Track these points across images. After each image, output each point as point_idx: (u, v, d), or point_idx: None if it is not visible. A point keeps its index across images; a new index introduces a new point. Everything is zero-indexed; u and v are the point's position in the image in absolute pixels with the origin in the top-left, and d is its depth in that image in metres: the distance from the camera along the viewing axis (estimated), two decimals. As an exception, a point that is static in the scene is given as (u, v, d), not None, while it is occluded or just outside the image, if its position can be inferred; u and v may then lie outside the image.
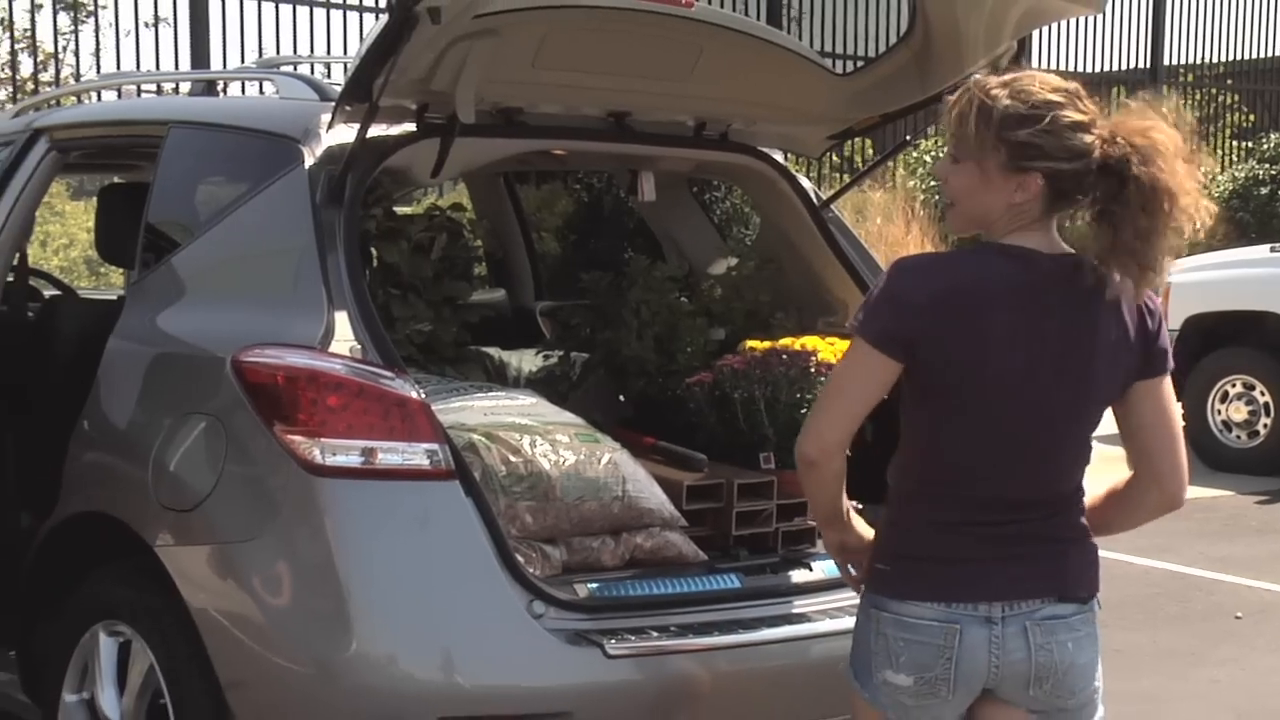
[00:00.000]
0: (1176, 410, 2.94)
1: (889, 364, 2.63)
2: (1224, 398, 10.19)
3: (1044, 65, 16.34)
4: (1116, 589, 7.03)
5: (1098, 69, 17.03)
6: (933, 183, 12.75)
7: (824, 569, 3.55)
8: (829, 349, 3.94)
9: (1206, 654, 6.12)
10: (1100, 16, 16.86)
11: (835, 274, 4.17)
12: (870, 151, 15.23)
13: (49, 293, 5.43)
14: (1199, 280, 10.37)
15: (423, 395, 3.17)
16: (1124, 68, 17.24)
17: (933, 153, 13.09)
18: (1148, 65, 17.34)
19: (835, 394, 2.73)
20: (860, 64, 2.87)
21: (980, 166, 2.67)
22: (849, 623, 3.37)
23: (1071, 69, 16.78)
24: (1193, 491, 10.43)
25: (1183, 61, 17.76)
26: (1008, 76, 2.71)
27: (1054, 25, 16.51)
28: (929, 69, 3.96)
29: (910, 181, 12.79)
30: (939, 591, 2.69)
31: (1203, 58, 17.95)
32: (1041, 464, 2.77)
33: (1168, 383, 2.89)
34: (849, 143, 15.42)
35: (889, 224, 11.71)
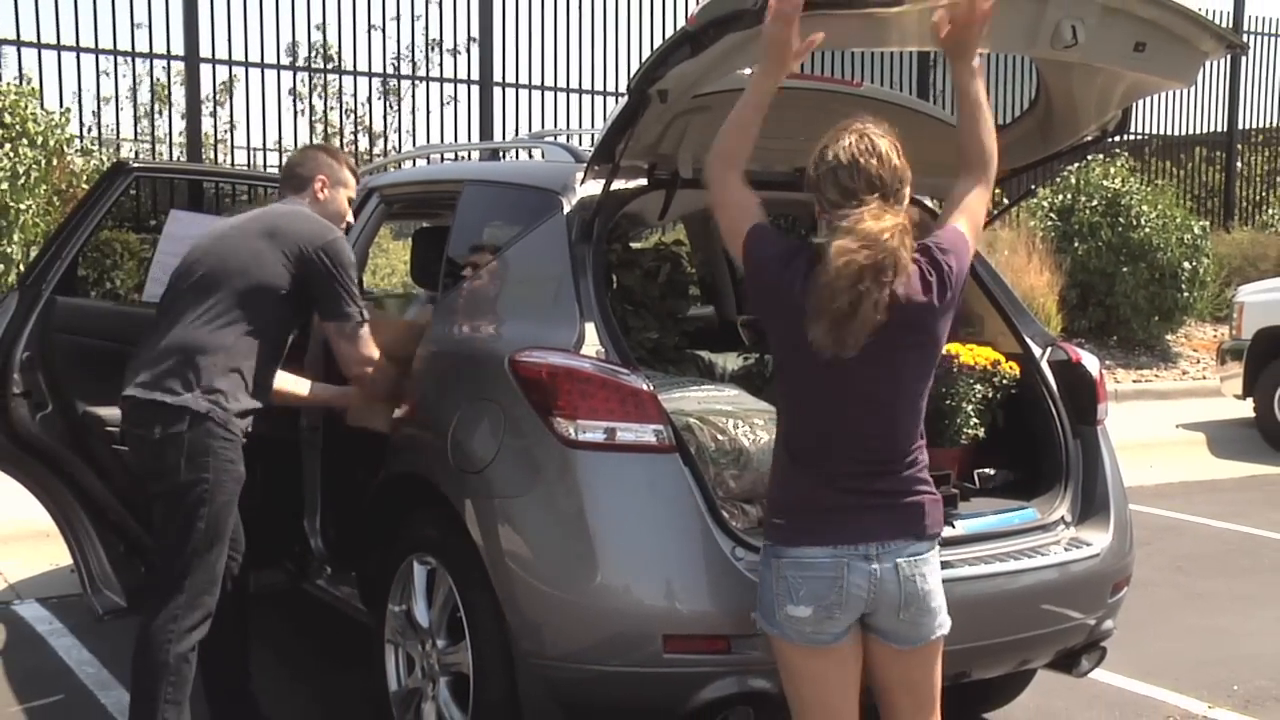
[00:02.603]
0: None
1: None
2: (1288, 394, 9.79)
3: (1141, 129, 15.73)
4: (1198, 546, 6.77)
5: (1181, 131, 16.30)
6: (1049, 222, 12.35)
7: (964, 527, 3.44)
8: (968, 354, 3.83)
9: (1273, 598, 5.85)
10: (1184, 89, 16.16)
11: (974, 293, 4.04)
12: (1002, 199, 14.88)
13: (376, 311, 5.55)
14: (1267, 300, 10.18)
15: (651, 387, 3.16)
16: (1203, 130, 16.48)
17: (1049, 199, 12.68)
18: (1225, 129, 16.54)
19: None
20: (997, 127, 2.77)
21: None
22: (986, 569, 3.31)
23: (1158, 131, 16.11)
24: (1261, 469, 10.08)
25: (1254, 126, 16.91)
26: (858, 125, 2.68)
27: (1146, 97, 15.89)
28: (1050, 133, 3.83)
29: (1031, 221, 12.41)
30: (827, 538, 2.62)
31: (1271, 122, 17.07)
32: (893, 428, 2.67)
33: None
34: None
35: (1014, 255, 11.37)
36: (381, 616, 3.73)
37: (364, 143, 11.98)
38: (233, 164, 11.19)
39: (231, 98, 11.21)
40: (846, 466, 2.65)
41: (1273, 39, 16.77)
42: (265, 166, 11.25)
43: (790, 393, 2.72)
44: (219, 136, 11.26)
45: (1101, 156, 13.24)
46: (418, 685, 3.60)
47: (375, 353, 3.66)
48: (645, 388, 3.13)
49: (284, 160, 3.56)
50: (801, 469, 2.68)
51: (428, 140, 11.87)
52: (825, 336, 2.52)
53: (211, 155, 11.04)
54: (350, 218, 3.93)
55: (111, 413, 3.83)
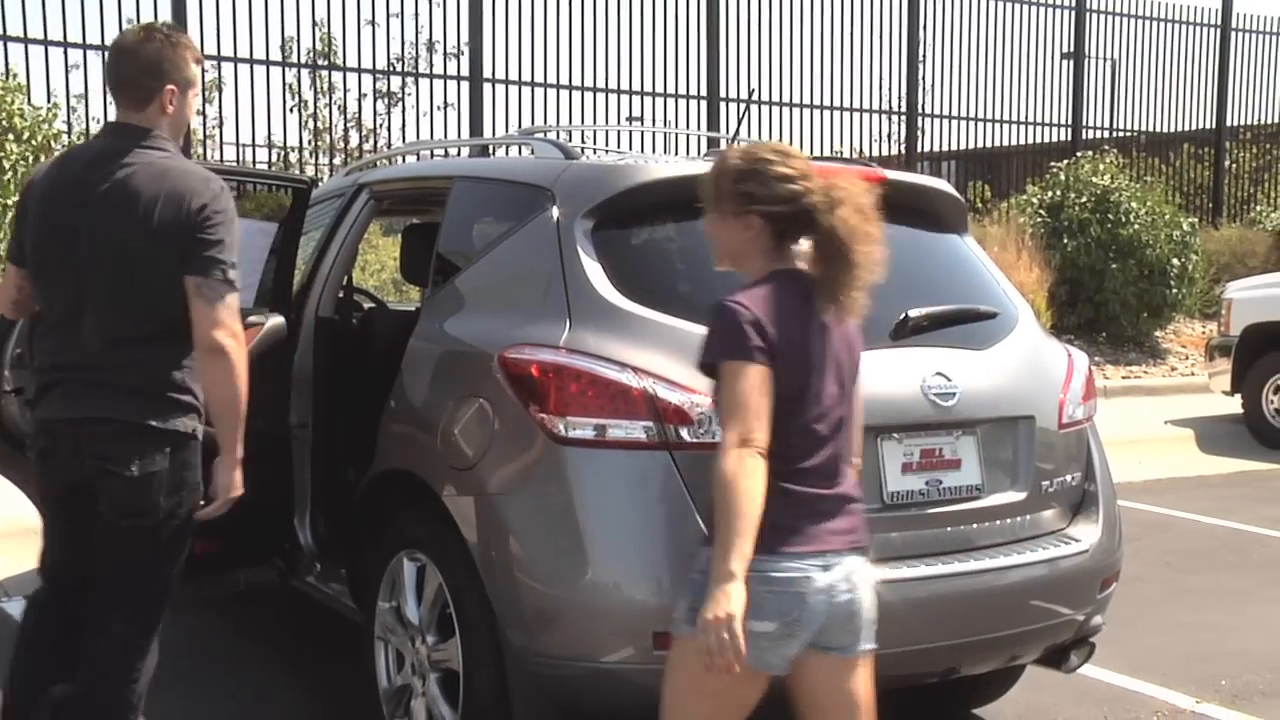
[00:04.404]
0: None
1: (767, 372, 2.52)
2: (1276, 390, 9.81)
3: (1121, 125, 15.78)
4: (1186, 542, 6.79)
5: (1169, 128, 16.33)
6: (1038, 218, 12.37)
7: None
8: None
9: (1261, 594, 5.86)
10: (1173, 85, 16.19)
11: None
12: (989, 193, 14.88)
13: (367, 305, 5.55)
14: (1256, 296, 10.22)
15: (643, 384, 3.13)
16: (1195, 128, 16.52)
17: (1038, 195, 12.71)
18: (1214, 125, 16.58)
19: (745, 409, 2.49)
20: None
21: (721, 213, 2.66)
22: (976, 565, 3.31)
23: (1147, 128, 16.15)
24: (1249, 465, 10.11)
25: (1242, 122, 16.96)
26: (743, 145, 2.70)
27: (1134, 93, 15.92)
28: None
29: (1020, 218, 12.43)
30: (790, 546, 2.54)
31: (1260, 119, 17.11)
32: (838, 440, 2.65)
33: None
34: (970, 185, 15.02)
35: (1004, 251, 11.38)
36: (371, 613, 3.72)
37: (355, 139, 11.95)
38: (221, 160, 11.14)
39: (220, 94, 11.18)
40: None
41: (1261, 35, 16.82)
42: (254, 163, 11.22)
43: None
44: (207, 132, 11.22)
45: (1091, 153, 13.28)
46: (408, 682, 3.59)
47: (239, 326, 3.05)
48: (636, 384, 3.12)
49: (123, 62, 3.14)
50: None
51: (418, 137, 11.85)
52: None
53: (200, 152, 11.00)
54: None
55: None
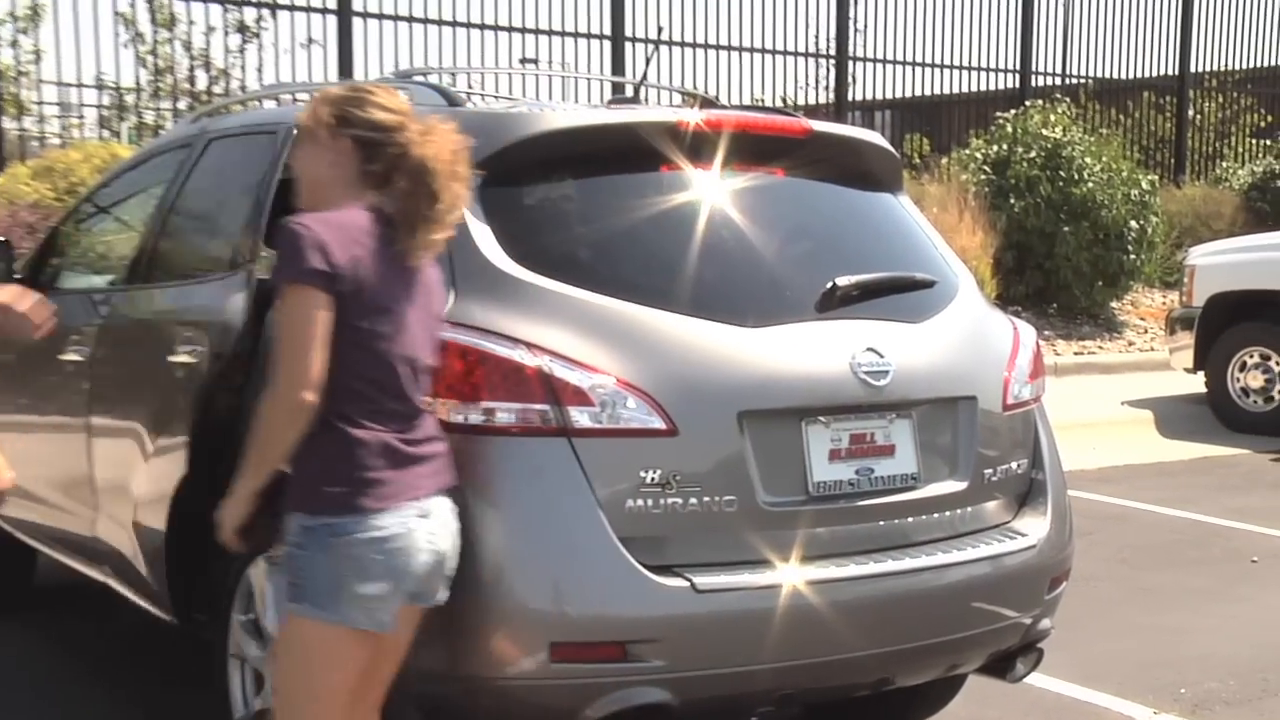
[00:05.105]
0: None
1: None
2: (1242, 367, 10.07)
3: (1074, 71, 16.09)
4: (1144, 536, 6.97)
5: (1128, 75, 16.68)
6: (982, 175, 12.56)
7: None
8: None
9: (1225, 593, 6.03)
10: (1132, 27, 16.54)
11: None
12: (927, 147, 15.09)
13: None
14: (1221, 263, 10.36)
15: (540, 362, 3.14)
16: (1155, 74, 16.89)
17: (982, 150, 12.90)
18: (1177, 72, 16.96)
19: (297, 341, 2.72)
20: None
21: (312, 139, 2.91)
22: (911, 563, 3.38)
23: (1108, 76, 16.47)
24: (1213, 450, 10.38)
25: (1207, 69, 17.38)
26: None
27: (1089, 35, 16.24)
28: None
29: (963, 175, 12.60)
30: (387, 501, 2.75)
31: (1226, 65, 17.56)
32: (419, 380, 2.88)
33: None
34: (908, 139, 15.19)
35: (944, 213, 11.54)
36: (225, 628, 3.69)
37: (202, 80, 11.74)
38: (40, 101, 10.87)
39: (38, 23, 10.87)
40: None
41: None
42: (81, 105, 10.98)
43: None
44: (21, 68, 10.92)
45: (1041, 103, 13.50)
46: (268, 705, 3.57)
47: None
48: (530, 362, 3.13)
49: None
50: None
51: (277, 79, 11.69)
52: None
53: (13, 91, 10.72)
54: None
55: None
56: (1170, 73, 16.96)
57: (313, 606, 2.76)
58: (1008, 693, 4.30)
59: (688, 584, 3.10)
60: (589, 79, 13.00)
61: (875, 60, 14.88)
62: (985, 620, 3.58)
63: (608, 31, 13.09)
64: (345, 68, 11.76)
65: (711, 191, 3.58)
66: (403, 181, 2.83)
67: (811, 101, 14.34)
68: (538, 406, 3.10)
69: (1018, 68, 15.77)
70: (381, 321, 2.78)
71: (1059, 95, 14.13)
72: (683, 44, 13.48)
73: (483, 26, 12.45)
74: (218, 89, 11.74)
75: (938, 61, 15.27)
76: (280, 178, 3.80)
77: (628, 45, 13.14)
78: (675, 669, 3.10)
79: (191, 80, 11.72)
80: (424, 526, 2.80)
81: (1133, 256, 12.65)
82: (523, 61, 12.83)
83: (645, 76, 4.57)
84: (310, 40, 11.74)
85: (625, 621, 3.07)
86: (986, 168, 12.71)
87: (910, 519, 3.50)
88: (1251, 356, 10.02)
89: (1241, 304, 10.08)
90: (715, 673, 3.17)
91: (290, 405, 2.69)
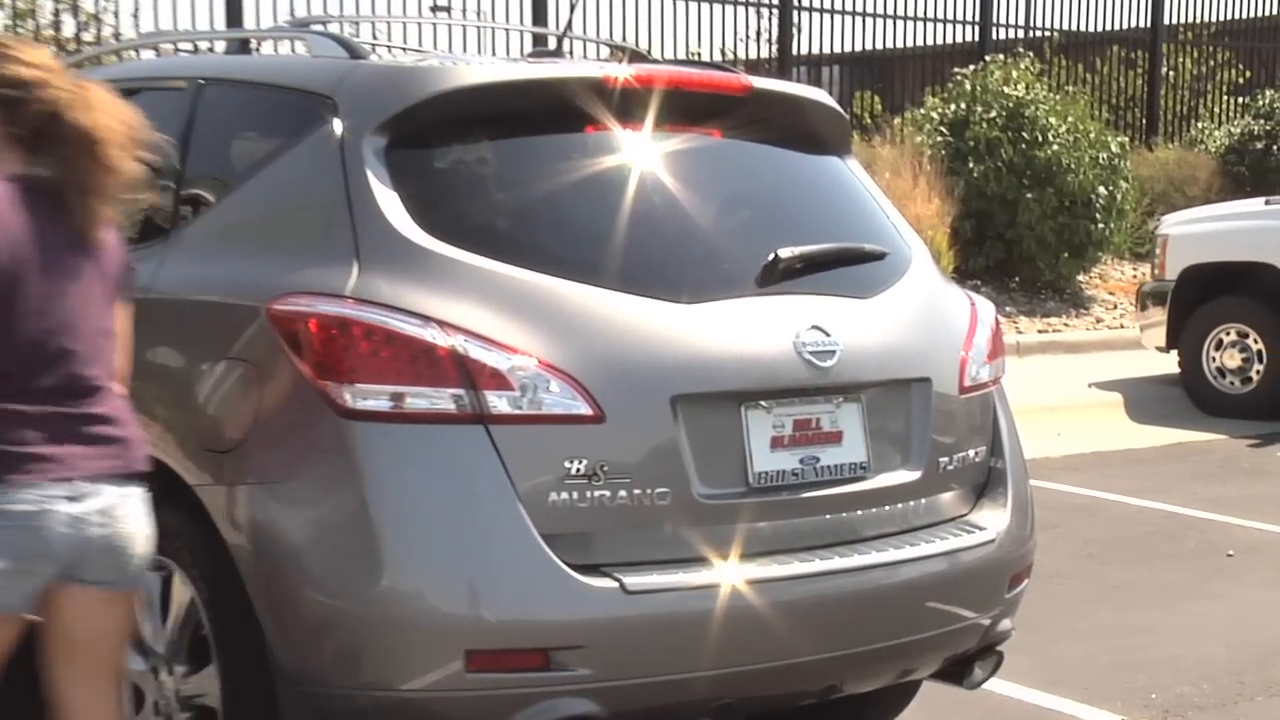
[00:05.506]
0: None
1: None
2: (1218, 345, 10.18)
3: (1038, 23, 16.22)
4: (1113, 529, 7.07)
5: (1101, 28, 16.84)
6: (939, 137, 12.63)
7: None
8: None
9: (1199, 589, 6.14)
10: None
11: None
12: (879, 106, 15.16)
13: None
14: (1195, 232, 10.43)
15: (453, 341, 3.15)
16: (1126, 27, 17.06)
17: (939, 109, 12.97)
18: (1148, 24, 17.14)
19: None
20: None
21: None
22: (860, 560, 3.41)
23: (1075, 28, 16.62)
24: (1187, 435, 10.50)
25: (1182, 21, 17.57)
26: None
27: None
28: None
29: (918, 136, 12.66)
30: (22, 474, 2.79)
31: (1201, 17, 17.76)
32: (91, 358, 2.91)
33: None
34: (857, 97, 15.19)
35: (896, 178, 11.60)
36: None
37: (70, 26, 11.57)
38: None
39: None
40: None
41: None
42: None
43: None
44: None
45: (1002, 58, 13.60)
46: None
47: None
48: (442, 342, 3.13)
49: None
50: None
51: (156, 26, 11.54)
52: None
53: None
54: None
55: None
56: (1142, 25, 17.11)
57: None
58: (965, 700, 4.35)
59: (617, 584, 3.12)
60: (507, 29, 12.95)
61: (822, 10, 14.92)
62: (941, 621, 3.63)
63: (528, -24, 13.05)
64: (234, 14, 11.63)
65: (642, 154, 3.59)
66: (64, 149, 2.86)
67: (752, 55, 14.36)
68: (451, 391, 3.11)
69: (977, 19, 15.85)
70: (18, 295, 2.79)
71: (1021, 49, 14.22)
72: (610, -10, 13.46)
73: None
74: (88, 36, 11.56)
75: (890, 12, 15.33)
76: None
77: (550, -9, 13.11)
78: (604, 677, 3.13)
79: (57, 26, 11.53)
80: (71, 509, 2.81)
81: (1101, 225, 12.76)
82: (434, 9, 12.77)
83: (569, 27, 4.57)
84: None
85: (548, 626, 3.09)
86: (943, 129, 12.77)
87: (859, 512, 3.54)
88: (1228, 334, 10.13)
89: (1218, 277, 10.18)
90: (647, 681, 3.20)
91: None
